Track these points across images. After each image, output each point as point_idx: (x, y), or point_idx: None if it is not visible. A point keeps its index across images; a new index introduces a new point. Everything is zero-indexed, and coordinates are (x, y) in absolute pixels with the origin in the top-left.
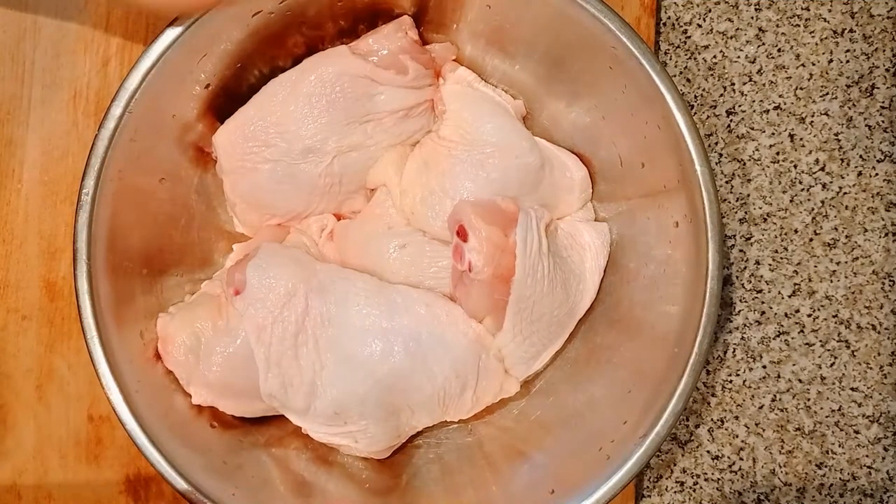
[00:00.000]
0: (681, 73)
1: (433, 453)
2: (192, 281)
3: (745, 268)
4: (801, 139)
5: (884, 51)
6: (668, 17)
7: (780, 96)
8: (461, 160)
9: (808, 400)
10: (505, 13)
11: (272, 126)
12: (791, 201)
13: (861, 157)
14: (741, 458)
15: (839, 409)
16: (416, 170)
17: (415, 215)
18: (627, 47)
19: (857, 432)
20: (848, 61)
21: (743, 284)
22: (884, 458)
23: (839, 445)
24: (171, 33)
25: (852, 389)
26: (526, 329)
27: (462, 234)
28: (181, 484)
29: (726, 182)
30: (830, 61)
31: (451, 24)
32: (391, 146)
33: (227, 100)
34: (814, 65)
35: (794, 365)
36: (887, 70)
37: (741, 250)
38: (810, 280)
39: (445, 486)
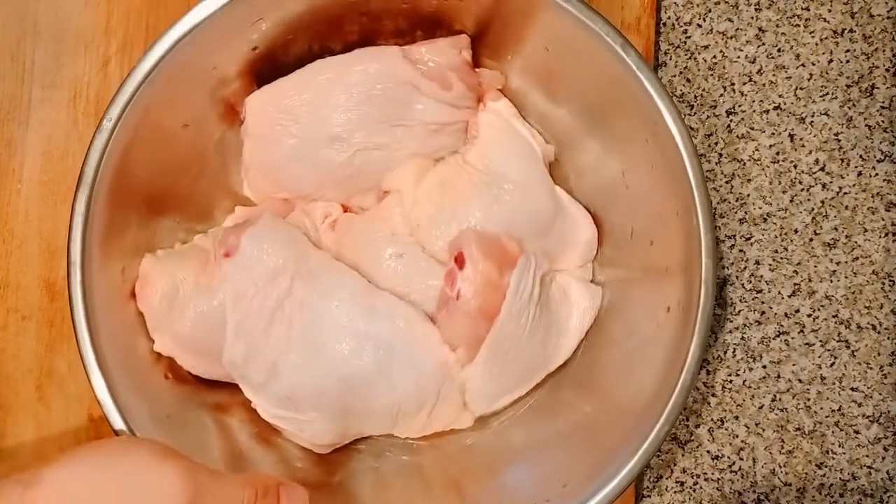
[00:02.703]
0: (681, 73)
1: (373, 462)
2: (187, 230)
3: (745, 268)
4: (801, 139)
5: (884, 51)
6: (668, 17)
7: (780, 96)
8: (478, 189)
9: (808, 400)
10: (561, 58)
11: (306, 104)
12: (791, 201)
13: (861, 157)
14: (741, 458)
15: (839, 409)
16: (433, 186)
17: (420, 228)
18: (668, 129)
19: (857, 432)
20: (848, 61)
21: (743, 284)
22: (884, 458)
23: (839, 445)
24: None
25: (852, 389)
26: (495, 369)
27: (460, 261)
28: (120, 424)
29: (726, 182)
30: (830, 61)
31: (507, 55)
32: (415, 155)
33: (269, 66)
34: (814, 65)
35: (794, 365)
36: (887, 70)
37: (741, 250)
38: (810, 280)
39: (377, 497)
